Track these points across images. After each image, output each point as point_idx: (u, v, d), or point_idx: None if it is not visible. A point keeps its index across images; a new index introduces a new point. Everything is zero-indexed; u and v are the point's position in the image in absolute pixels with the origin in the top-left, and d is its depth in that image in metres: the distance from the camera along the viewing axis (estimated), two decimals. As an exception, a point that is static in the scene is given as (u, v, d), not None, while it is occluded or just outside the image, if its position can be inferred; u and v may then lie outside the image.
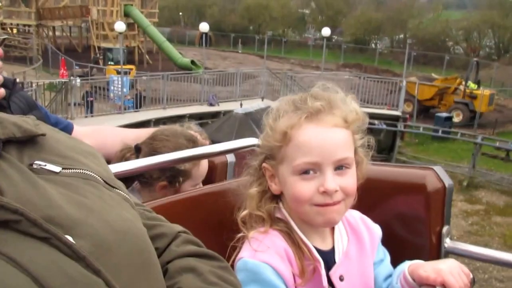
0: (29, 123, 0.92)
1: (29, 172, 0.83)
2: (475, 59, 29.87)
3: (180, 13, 66.85)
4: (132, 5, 39.96)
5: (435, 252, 1.66)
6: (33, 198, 0.78)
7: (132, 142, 2.12)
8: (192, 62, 37.14)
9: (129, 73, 27.80)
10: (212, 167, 2.22)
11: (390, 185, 1.73)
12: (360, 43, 55.31)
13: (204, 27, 27.73)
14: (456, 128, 25.33)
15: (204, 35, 30.43)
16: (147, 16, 42.55)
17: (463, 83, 27.83)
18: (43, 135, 0.92)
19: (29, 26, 39.55)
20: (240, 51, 54.92)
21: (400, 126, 21.49)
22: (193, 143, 2.12)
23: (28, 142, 0.89)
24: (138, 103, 21.88)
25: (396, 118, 22.33)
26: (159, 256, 0.99)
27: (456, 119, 26.87)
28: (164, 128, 2.22)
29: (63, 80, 22.75)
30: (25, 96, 1.86)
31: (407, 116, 24.13)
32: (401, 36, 56.75)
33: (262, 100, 23.58)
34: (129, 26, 39.90)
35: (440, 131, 22.09)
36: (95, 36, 39.48)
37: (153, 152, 2.04)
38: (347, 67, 47.31)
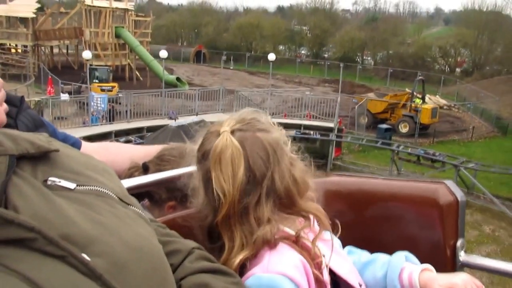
0: (42, 139, 0.91)
1: (44, 188, 0.82)
2: (420, 77, 32.86)
3: (182, 30, 70.14)
4: (123, 27, 43.11)
5: (450, 265, 1.63)
6: (48, 215, 0.77)
7: (140, 160, 2.11)
8: (178, 79, 39.94)
9: (112, 90, 31.05)
10: None
11: (402, 199, 1.71)
12: (346, 60, 58.31)
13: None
14: (403, 137, 28.75)
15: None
16: (140, 36, 45.82)
17: (423, 95, 31.06)
18: (57, 151, 0.90)
19: (26, 46, 42.84)
20: (231, 68, 57.91)
21: (332, 136, 24.31)
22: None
23: (41, 158, 0.88)
24: (110, 117, 24.88)
25: (330, 129, 25.14)
26: (173, 272, 0.98)
27: (403, 130, 30.14)
28: (172, 147, 2.17)
29: (49, 97, 25.83)
30: (31, 114, 1.82)
31: (343, 127, 27.19)
32: (385, 53, 59.83)
33: (223, 112, 26.59)
34: (120, 46, 43.45)
35: (364, 140, 25.59)
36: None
37: (160, 170, 1.99)
38: (327, 83, 50.40)
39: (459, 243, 1.67)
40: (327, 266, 1.35)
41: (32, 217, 0.74)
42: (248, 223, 1.31)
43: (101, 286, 0.74)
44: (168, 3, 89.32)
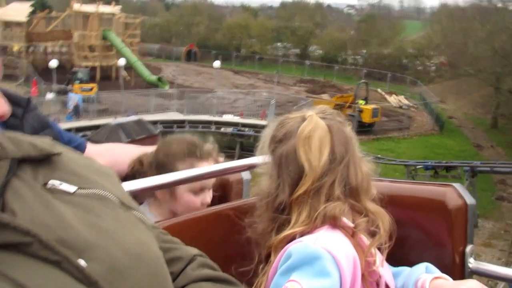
0: (46, 142, 0.92)
1: (43, 192, 0.82)
2: (363, 80, 36.50)
3: (174, 29, 73.02)
4: (110, 30, 46.47)
5: (459, 272, 1.59)
6: (46, 219, 0.77)
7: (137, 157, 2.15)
8: (159, 79, 43.00)
9: (91, 90, 34.59)
10: (226, 185, 2.19)
11: (408, 203, 1.70)
12: (329, 60, 60.59)
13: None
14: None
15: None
16: (129, 37, 49.34)
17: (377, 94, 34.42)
18: (59, 154, 0.91)
19: (19, 47, 46.00)
20: (219, 67, 60.42)
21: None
22: (195, 147, 2.13)
23: (43, 161, 0.88)
24: (78, 113, 28.49)
25: (263, 127, 28.36)
26: (173, 280, 0.97)
27: (347, 128, 33.62)
28: (171, 136, 2.22)
29: (32, 97, 29.43)
30: (38, 115, 1.83)
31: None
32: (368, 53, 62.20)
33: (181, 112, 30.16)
34: (108, 47, 46.96)
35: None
36: (77, 57, 45.97)
37: (156, 159, 2.10)
38: (303, 83, 52.97)
39: (468, 249, 1.62)
40: (377, 268, 1.36)
41: (29, 221, 0.74)
42: (318, 200, 1.38)
43: None
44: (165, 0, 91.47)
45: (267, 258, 1.45)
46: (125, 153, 2.22)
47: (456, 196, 1.64)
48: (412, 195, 1.73)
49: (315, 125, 1.45)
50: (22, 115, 1.76)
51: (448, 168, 21.84)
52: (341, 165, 1.43)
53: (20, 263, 0.71)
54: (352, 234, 1.38)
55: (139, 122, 23.21)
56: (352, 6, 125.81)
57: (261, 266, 1.44)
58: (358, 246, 1.36)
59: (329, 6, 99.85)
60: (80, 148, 2.08)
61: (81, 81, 37.00)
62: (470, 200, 1.65)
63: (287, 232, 1.39)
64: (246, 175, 2.19)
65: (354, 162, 1.46)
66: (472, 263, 1.63)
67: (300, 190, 1.41)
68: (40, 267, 0.72)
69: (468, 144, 33.78)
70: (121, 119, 24.41)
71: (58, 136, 1.92)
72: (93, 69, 44.12)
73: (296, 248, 1.30)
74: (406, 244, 1.62)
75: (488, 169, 21.01)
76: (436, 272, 1.49)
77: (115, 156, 2.18)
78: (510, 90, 33.54)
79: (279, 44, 68.09)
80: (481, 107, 39.29)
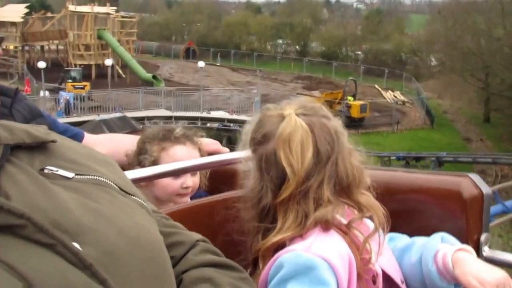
0: (40, 130, 0.90)
1: (40, 176, 0.81)
2: (351, 78, 37.08)
3: (174, 27, 73.34)
4: (104, 29, 46.78)
5: None
6: (41, 202, 0.76)
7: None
8: (154, 77, 43.24)
9: (84, 88, 34.94)
10: (231, 174, 2.05)
11: (424, 192, 1.69)
12: (329, 56, 60.56)
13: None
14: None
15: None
16: (126, 35, 49.74)
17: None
18: (54, 141, 0.90)
19: (16, 47, 46.50)
20: (218, 64, 60.85)
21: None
22: (169, 132, 2.16)
23: (39, 148, 0.87)
24: (67, 110, 28.94)
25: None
26: (175, 265, 0.96)
27: (337, 123, 34.30)
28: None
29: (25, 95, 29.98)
30: (28, 104, 1.82)
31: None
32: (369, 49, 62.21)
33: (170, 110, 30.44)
34: (103, 46, 47.25)
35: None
36: (72, 55, 46.43)
37: (137, 147, 2.14)
38: (300, 79, 53.06)
39: (483, 237, 1.62)
40: (373, 264, 1.31)
41: (24, 204, 0.73)
42: (306, 204, 1.31)
43: (90, 277, 0.71)
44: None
45: (254, 262, 1.39)
46: (126, 143, 2.21)
47: (472, 185, 1.63)
48: (427, 185, 1.73)
49: (295, 125, 1.35)
50: (11, 105, 1.75)
51: (417, 159, 23.83)
52: (328, 165, 1.35)
53: (14, 246, 0.70)
54: (345, 232, 1.32)
55: (122, 118, 23.85)
56: (362, 1, 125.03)
57: (248, 270, 1.34)
58: (352, 244, 1.30)
59: (338, 1, 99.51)
60: (77, 138, 2.04)
61: (74, 80, 37.37)
62: (486, 189, 1.64)
63: (273, 239, 1.33)
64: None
65: (343, 158, 1.38)
66: (486, 251, 1.63)
67: (283, 194, 1.34)
68: (33, 249, 0.71)
69: (457, 137, 33.98)
70: (105, 116, 25.20)
71: (52, 126, 1.87)
72: (89, 67, 44.65)
73: (288, 257, 1.23)
74: (419, 233, 1.57)
75: (451, 159, 23.40)
76: (455, 242, 1.46)
77: (116, 146, 2.17)
78: (499, 85, 33.53)
79: (279, 41, 68.21)
80: (477, 102, 39.18)
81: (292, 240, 1.30)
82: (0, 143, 0.81)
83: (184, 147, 2.14)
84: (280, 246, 1.31)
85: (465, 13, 39.25)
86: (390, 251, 1.48)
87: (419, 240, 1.51)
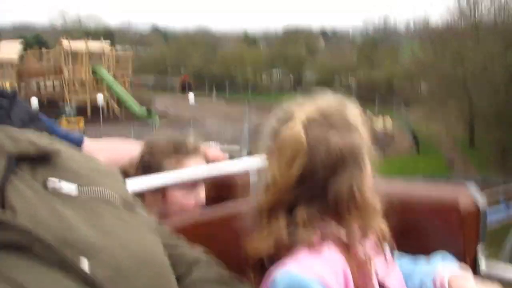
0: (44, 140, 0.89)
1: (44, 190, 0.80)
2: None
3: (169, 61, 74.14)
4: (100, 64, 47.36)
5: (471, 271, 1.49)
6: (47, 218, 0.75)
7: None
8: (149, 111, 43.65)
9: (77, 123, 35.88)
10: (233, 185, 2.06)
11: (419, 202, 1.66)
12: (322, 85, 60.62)
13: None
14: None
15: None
16: (121, 70, 50.30)
17: None
18: (58, 152, 0.88)
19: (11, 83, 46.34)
20: (213, 102, 60.98)
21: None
22: (181, 143, 2.01)
23: (42, 159, 0.85)
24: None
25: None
26: (178, 281, 0.94)
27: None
28: (153, 136, 2.18)
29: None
30: (26, 108, 1.79)
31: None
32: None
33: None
34: (98, 81, 47.78)
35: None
36: (67, 91, 46.76)
37: (142, 162, 1.99)
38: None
39: (480, 250, 1.59)
40: (378, 281, 1.25)
41: (30, 220, 0.72)
42: (277, 222, 1.20)
43: None
44: (165, 30, 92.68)
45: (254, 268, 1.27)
46: (128, 149, 2.10)
47: (469, 195, 1.59)
48: (424, 194, 1.69)
49: (292, 134, 1.21)
50: (9, 107, 1.71)
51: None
52: (317, 185, 1.21)
53: (21, 264, 0.70)
54: (345, 247, 1.21)
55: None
56: (357, 30, 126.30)
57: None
58: (352, 259, 1.20)
59: (334, 31, 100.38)
60: (78, 144, 1.98)
61: (69, 115, 38.55)
62: (482, 199, 1.60)
63: (253, 250, 1.22)
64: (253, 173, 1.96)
65: (342, 181, 1.20)
66: (484, 262, 1.60)
67: (265, 201, 1.23)
68: (41, 268, 0.71)
69: (441, 163, 34.48)
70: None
71: (50, 130, 1.81)
72: (85, 103, 45.26)
73: (281, 277, 1.13)
74: (417, 244, 1.55)
75: None
76: (454, 266, 1.41)
77: (119, 153, 2.05)
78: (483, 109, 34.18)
79: (274, 70, 69.12)
80: (462, 127, 39.77)
81: (279, 252, 1.19)
82: (4, 150, 0.82)
83: (198, 158, 2.02)
84: (268, 257, 1.20)
85: (442, 39, 40.35)
86: (399, 272, 1.41)
87: (420, 265, 1.47)
